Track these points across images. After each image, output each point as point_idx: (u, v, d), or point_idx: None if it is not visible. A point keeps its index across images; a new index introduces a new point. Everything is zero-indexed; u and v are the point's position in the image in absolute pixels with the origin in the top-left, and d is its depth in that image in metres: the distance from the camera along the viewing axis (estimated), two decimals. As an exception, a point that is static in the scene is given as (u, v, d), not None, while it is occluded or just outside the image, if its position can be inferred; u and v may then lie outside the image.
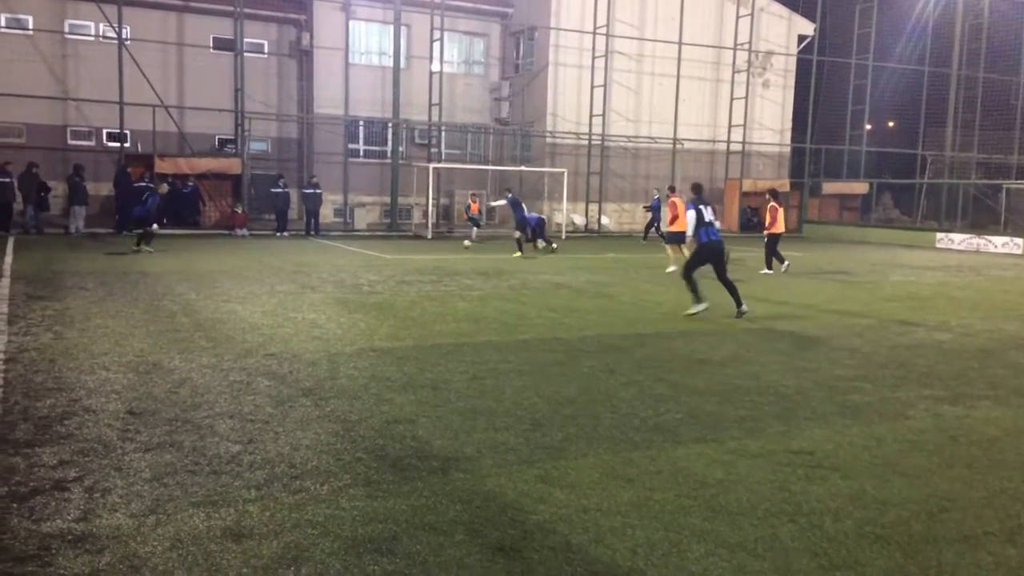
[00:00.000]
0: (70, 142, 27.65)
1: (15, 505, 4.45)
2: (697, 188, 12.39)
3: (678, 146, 32.55)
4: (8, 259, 16.10)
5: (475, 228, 25.12)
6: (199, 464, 5.17)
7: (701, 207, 11.72)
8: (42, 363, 7.67)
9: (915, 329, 11.36)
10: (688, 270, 11.80)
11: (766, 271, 18.28)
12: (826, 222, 35.69)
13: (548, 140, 31.34)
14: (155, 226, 18.83)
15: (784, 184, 35.23)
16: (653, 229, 26.73)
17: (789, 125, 36.20)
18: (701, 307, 11.67)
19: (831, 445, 5.98)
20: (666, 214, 18.72)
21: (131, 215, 18.68)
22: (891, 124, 42.27)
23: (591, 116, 30.81)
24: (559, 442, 5.85)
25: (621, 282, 15.88)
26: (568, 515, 4.56)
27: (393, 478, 5.04)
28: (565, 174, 28.66)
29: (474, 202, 25.51)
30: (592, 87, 30.73)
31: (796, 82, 35.97)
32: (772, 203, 18.24)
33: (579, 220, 31.65)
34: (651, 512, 4.64)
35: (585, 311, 12.06)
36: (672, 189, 19.83)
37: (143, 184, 24.41)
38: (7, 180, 22.07)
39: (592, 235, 30.56)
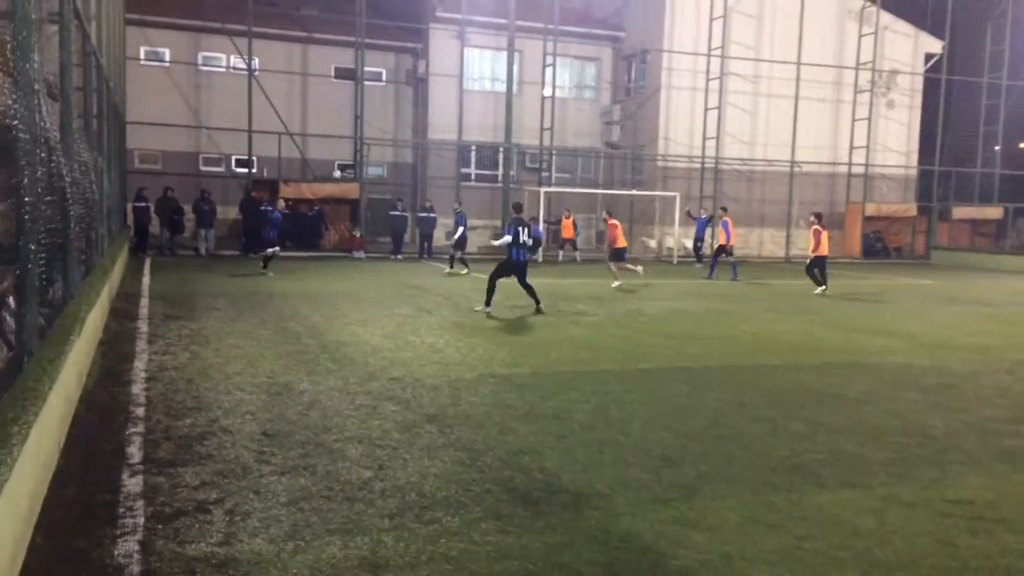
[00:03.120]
0: (202, 168, 29.12)
1: (160, 527, 4.56)
2: (517, 208, 14.27)
3: (796, 169, 31.54)
4: (146, 279, 16.97)
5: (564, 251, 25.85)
6: (333, 489, 5.21)
7: (519, 228, 13.42)
8: (181, 382, 7.96)
9: (1070, 366, 10.50)
10: (493, 277, 13.52)
11: (820, 290, 18.49)
12: (957, 248, 33.76)
13: (660, 163, 30.93)
14: (276, 249, 19.34)
15: (911, 209, 33.67)
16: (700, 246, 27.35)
17: (916, 147, 34.51)
18: (487, 309, 13.35)
19: (992, 495, 5.52)
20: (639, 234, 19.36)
21: (263, 239, 19.50)
22: (1025, 145, 39.74)
23: (704, 139, 30.27)
24: (693, 480, 5.61)
25: (740, 310, 15.37)
26: (710, 561, 4.34)
27: (524, 513, 4.93)
28: (677, 198, 28.20)
29: (567, 217, 26.73)
30: (706, 109, 30.21)
31: (923, 102, 34.31)
32: (816, 226, 18.76)
33: (691, 245, 31.01)
34: (801, 563, 4.36)
35: (707, 339, 11.71)
36: (609, 213, 20.23)
37: (265, 207, 25.53)
38: (144, 204, 23.42)
39: (707, 259, 29.78)
